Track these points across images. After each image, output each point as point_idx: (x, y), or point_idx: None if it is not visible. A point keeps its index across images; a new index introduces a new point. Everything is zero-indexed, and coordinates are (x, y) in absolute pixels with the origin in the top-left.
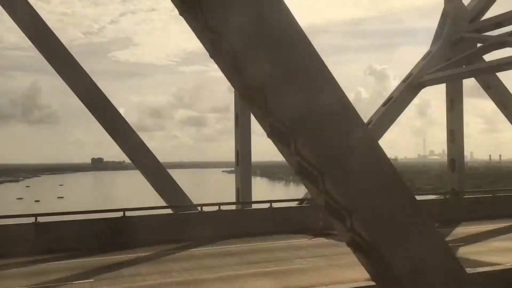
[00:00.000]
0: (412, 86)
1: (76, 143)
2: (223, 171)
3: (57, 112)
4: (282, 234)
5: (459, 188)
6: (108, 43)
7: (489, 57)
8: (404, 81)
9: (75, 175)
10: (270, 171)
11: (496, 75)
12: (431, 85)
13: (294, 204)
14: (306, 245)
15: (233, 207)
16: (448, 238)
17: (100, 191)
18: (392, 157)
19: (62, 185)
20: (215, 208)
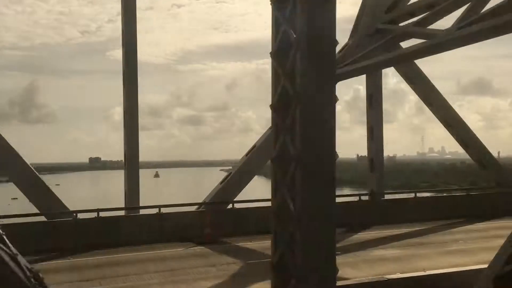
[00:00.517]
0: None
1: (74, 143)
2: (220, 170)
3: (55, 112)
4: (167, 243)
5: (378, 189)
6: (105, 42)
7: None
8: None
9: (72, 175)
10: (268, 170)
11: (419, 70)
12: (345, 79)
13: (193, 208)
14: (171, 256)
15: (122, 212)
16: (339, 245)
17: (96, 190)
18: (391, 155)
19: (58, 184)
20: (93, 214)
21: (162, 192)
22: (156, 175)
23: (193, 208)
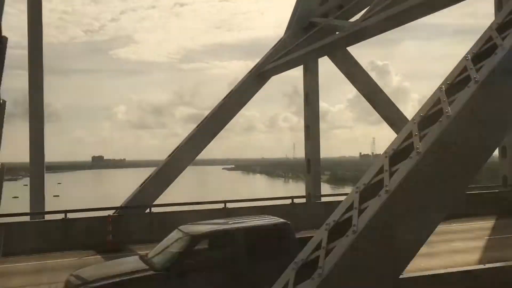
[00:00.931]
0: (256, 76)
1: (78, 142)
2: (223, 169)
3: (58, 111)
4: (69, 251)
5: (314, 192)
6: (109, 41)
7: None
8: (250, 71)
9: (75, 174)
10: (269, 169)
11: (360, 67)
12: (276, 74)
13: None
14: (61, 267)
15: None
16: None
17: (97, 189)
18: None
19: (60, 183)
20: None
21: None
22: None
23: (110, 212)
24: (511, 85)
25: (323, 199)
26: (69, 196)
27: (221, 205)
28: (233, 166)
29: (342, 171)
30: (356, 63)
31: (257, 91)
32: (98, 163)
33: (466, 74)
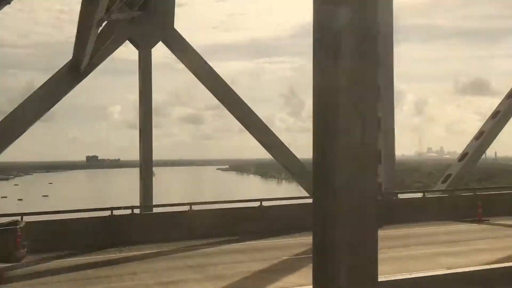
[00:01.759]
0: None
1: (72, 141)
2: (217, 169)
3: (53, 110)
4: None
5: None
6: None
7: None
8: None
9: (68, 173)
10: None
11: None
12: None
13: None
14: None
15: None
16: None
17: (89, 189)
18: None
19: (51, 183)
20: None
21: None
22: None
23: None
24: None
25: None
26: (60, 196)
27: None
28: (227, 166)
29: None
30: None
31: None
32: (93, 163)
33: None
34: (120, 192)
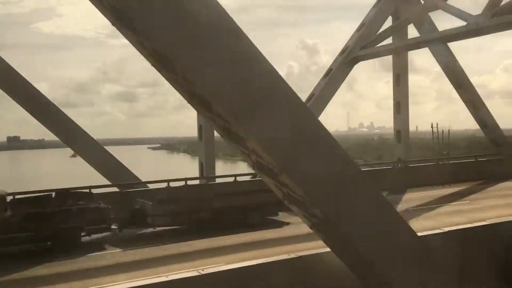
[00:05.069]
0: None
1: None
2: (148, 148)
3: None
4: None
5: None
6: (29, 14)
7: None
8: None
9: None
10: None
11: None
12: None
13: None
14: None
15: None
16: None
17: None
18: None
19: None
20: None
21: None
22: (73, 155)
23: None
24: None
25: None
26: None
27: None
28: (159, 145)
29: None
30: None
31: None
32: (14, 143)
33: None
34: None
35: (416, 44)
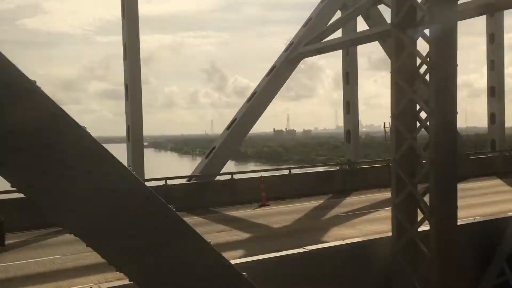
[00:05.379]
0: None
1: None
2: None
3: None
4: None
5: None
6: (15, 10)
7: None
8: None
9: None
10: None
11: None
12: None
13: None
14: None
15: None
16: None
17: None
18: (312, 128)
19: None
20: None
21: None
22: None
23: None
24: None
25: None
26: None
27: None
28: (146, 143)
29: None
30: None
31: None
32: None
33: None
34: None
35: (367, 37)
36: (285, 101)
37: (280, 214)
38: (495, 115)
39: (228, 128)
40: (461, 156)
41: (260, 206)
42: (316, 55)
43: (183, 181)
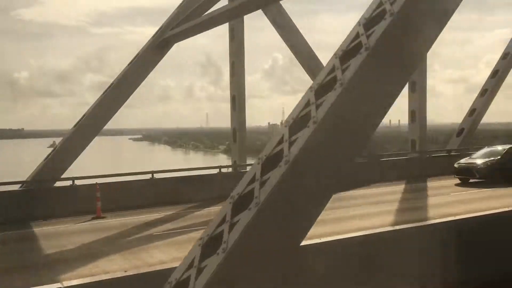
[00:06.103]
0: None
1: None
2: (129, 139)
3: None
4: None
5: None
6: (10, 0)
7: None
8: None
9: None
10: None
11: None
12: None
13: None
14: None
15: None
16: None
17: None
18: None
19: None
20: None
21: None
22: (52, 145)
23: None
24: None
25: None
26: None
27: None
28: (140, 136)
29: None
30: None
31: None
32: None
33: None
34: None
35: (235, 13)
36: (281, 95)
37: (95, 232)
38: (415, 112)
39: (75, 125)
40: (370, 158)
41: (94, 218)
42: (184, 39)
43: (17, 187)
